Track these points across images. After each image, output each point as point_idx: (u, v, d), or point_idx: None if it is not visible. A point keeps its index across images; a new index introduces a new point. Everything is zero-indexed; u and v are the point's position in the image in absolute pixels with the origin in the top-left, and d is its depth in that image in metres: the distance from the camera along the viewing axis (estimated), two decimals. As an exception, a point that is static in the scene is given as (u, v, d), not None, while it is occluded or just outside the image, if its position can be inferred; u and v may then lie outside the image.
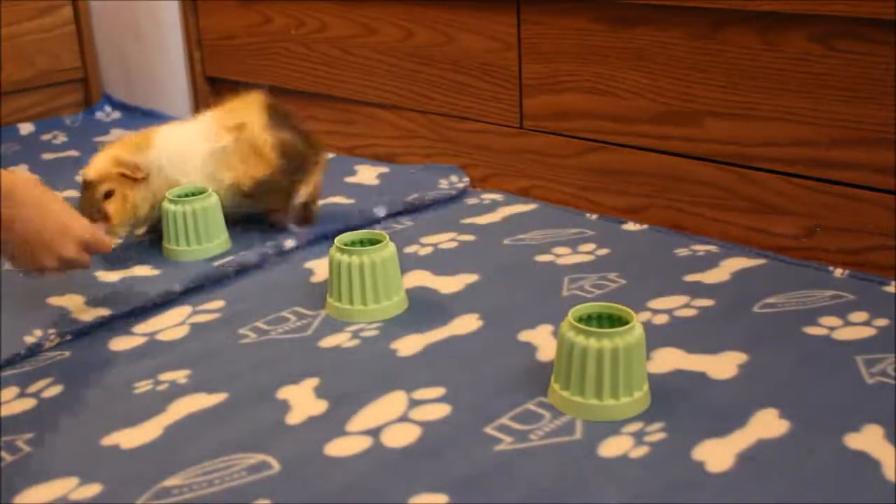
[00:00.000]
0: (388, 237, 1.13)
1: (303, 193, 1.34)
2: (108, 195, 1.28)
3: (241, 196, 1.34)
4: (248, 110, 1.34)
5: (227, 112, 1.36)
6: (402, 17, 1.65)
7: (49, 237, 1.01)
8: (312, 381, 0.98)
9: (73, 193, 1.60)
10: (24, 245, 1.01)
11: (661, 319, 1.08)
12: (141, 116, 2.08)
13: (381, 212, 1.44)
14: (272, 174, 1.31)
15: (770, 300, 1.11)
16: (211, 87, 2.05)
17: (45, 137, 1.95)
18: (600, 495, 0.79)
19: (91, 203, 1.27)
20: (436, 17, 1.60)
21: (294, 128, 1.35)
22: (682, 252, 1.27)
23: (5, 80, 2.02)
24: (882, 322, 1.05)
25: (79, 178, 1.33)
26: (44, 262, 1.04)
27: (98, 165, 1.29)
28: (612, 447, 0.85)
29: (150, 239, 1.38)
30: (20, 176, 1.00)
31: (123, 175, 1.28)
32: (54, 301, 1.19)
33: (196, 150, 1.34)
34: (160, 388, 0.98)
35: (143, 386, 0.99)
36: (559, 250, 1.29)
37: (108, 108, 2.13)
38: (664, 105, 1.37)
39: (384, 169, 1.67)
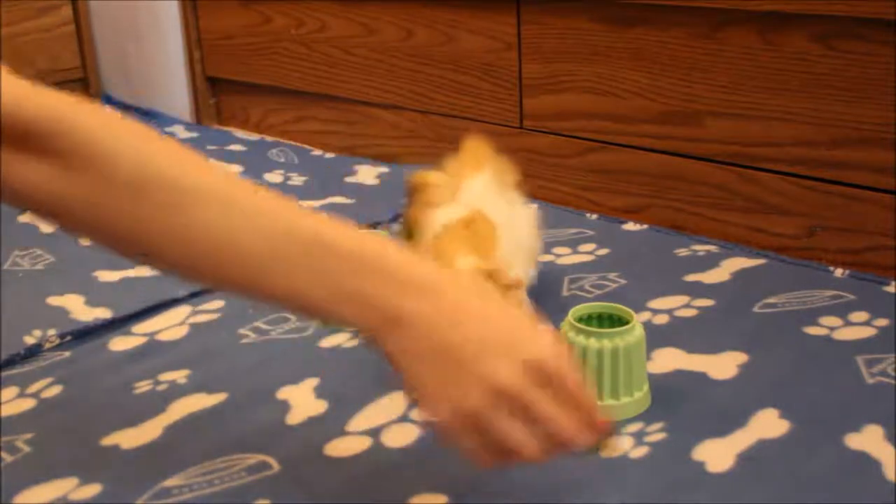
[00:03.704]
0: (387, 237, 1.13)
1: None
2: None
3: None
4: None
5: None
6: (402, 17, 1.65)
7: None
8: (312, 381, 0.98)
9: (73, 193, 1.61)
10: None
11: (662, 319, 1.08)
12: (141, 116, 2.08)
13: (382, 214, 1.44)
14: None
15: (770, 300, 1.11)
16: (211, 87, 2.05)
17: (45, 137, 1.95)
18: (600, 495, 0.79)
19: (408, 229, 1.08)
20: (436, 17, 1.60)
21: None
22: (682, 252, 1.27)
23: (5, 80, 2.02)
24: (882, 322, 1.05)
25: None
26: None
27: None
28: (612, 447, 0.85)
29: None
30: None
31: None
32: (54, 301, 1.19)
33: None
34: (160, 388, 0.98)
35: (143, 386, 0.99)
36: (559, 250, 1.29)
37: (107, 109, 2.12)
38: (664, 105, 1.36)
39: (384, 169, 1.67)
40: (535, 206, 1.09)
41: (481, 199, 1.02)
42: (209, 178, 0.68)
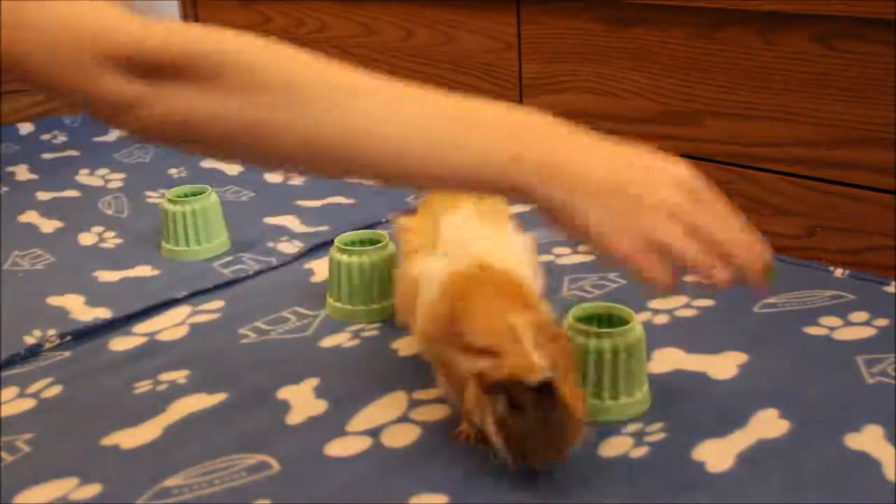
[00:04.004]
0: (388, 237, 1.13)
1: None
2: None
3: None
4: None
5: None
6: (402, 17, 1.65)
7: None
8: (312, 381, 0.98)
9: (74, 194, 1.61)
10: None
11: (662, 319, 1.08)
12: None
13: (382, 214, 1.44)
14: None
15: (770, 300, 1.11)
16: (211, 87, 2.05)
17: (45, 137, 1.95)
18: (600, 495, 0.79)
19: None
20: (436, 17, 1.60)
21: None
22: (682, 252, 1.27)
23: (5, 80, 2.01)
24: (882, 322, 1.05)
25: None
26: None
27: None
28: (612, 447, 0.85)
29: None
30: None
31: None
32: (54, 301, 1.19)
33: None
34: (160, 388, 0.98)
35: (143, 386, 0.99)
36: (559, 250, 1.29)
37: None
38: (664, 105, 1.36)
39: (384, 169, 1.67)
40: (532, 232, 0.98)
41: (463, 236, 0.92)
42: (353, 74, 0.72)
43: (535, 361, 0.74)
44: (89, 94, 0.68)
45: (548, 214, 0.69)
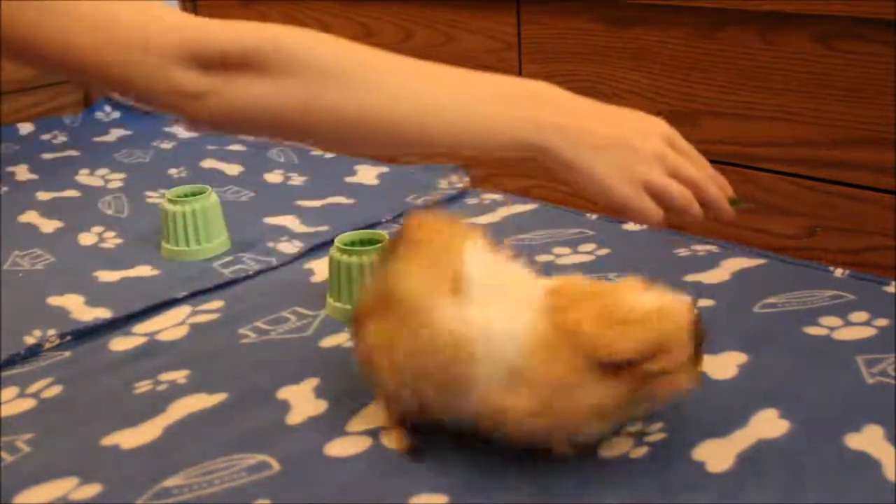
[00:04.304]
0: (388, 237, 1.14)
1: None
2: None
3: None
4: None
5: None
6: (402, 17, 1.65)
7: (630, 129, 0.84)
8: (312, 381, 0.98)
9: (74, 194, 1.61)
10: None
11: (661, 319, 1.08)
12: (141, 116, 2.07)
13: (382, 214, 1.44)
14: None
15: (770, 300, 1.11)
16: (211, 87, 2.05)
17: (45, 137, 1.95)
18: (600, 495, 0.79)
19: None
20: (436, 17, 1.60)
21: None
22: (682, 252, 1.27)
23: (5, 80, 2.02)
24: (882, 322, 1.05)
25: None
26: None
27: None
28: (612, 447, 0.85)
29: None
30: None
31: None
32: (54, 301, 1.19)
33: None
34: (160, 388, 0.98)
35: (143, 386, 0.99)
36: (559, 250, 1.29)
37: (107, 108, 2.12)
38: (664, 105, 1.36)
39: (384, 169, 1.67)
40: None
41: (503, 277, 0.81)
42: (394, 58, 0.82)
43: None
44: (157, 88, 0.74)
45: (559, 169, 0.81)
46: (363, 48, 0.81)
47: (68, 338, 1.09)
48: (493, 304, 0.77)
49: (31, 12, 0.71)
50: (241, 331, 1.10)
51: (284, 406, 0.94)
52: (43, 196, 1.60)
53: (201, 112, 0.77)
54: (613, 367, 0.74)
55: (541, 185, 1.54)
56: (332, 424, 0.90)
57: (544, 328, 0.75)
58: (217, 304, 1.17)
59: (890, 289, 1.13)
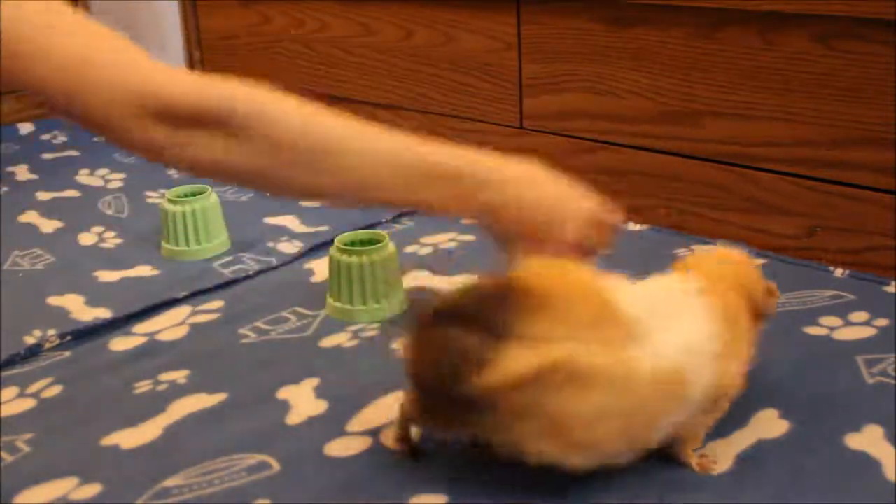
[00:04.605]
0: (388, 237, 1.14)
1: None
2: None
3: None
4: None
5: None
6: (402, 17, 1.65)
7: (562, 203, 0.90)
8: (312, 381, 0.98)
9: (74, 193, 1.61)
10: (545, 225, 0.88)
11: (661, 319, 1.08)
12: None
13: (382, 214, 1.44)
14: None
15: (770, 300, 1.11)
16: (211, 87, 2.05)
17: (45, 137, 1.95)
18: (600, 495, 0.79)
19: None
20: (436, 17, 1.60)
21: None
22: (683, 252, 1.27)
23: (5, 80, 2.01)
24: (882, 322, 1.05)
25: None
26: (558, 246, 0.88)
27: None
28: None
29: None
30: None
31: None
32: (54, 301, 1.19)
33: None
34: (160, 388, 0.98)
35: (143, 386, 0.99)
36: (559, 250, 1.29)
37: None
38: (664, 105, 1.36)
39: (384, 169, 1.67)
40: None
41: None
42: (352, 132, 0.85)
43: None
44: (130, 141, 0.80)
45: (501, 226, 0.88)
46: (319, 117, 0.85)
47: (68, 338, 1.09)
48: (667, 326, 0.78)
49: (21, 58, 0.78)
50: (241, 331, 1.10)
51: (284, 406, 0.94)
52: (43, 196, 1.60)
53: (170, 162, 0.83)
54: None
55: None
56: (332, 424, 0.90)
57: (715, 317, 0.80)
58: (217, 304, 1.17)
59: (890, 289, 1.13)
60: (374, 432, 0.89)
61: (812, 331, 1.04)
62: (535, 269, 0.80)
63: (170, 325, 1.12)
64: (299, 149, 0.82)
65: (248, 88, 0.82)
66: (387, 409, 0.92)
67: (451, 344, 0.73)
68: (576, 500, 0.78)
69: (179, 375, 1.00)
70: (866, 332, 1.03)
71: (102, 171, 1.72)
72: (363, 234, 1.17)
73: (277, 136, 0.81)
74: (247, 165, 0.82)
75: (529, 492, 0.79)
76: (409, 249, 1.31)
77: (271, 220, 1.43)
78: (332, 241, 1.14)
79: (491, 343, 0.72)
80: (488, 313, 0.74)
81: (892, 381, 0.93)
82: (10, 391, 0.99)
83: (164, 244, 1.33)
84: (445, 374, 0.73)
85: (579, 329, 0.74)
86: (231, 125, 0.80)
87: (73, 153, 1.85)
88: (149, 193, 1.58)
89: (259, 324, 1.11)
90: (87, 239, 1.40)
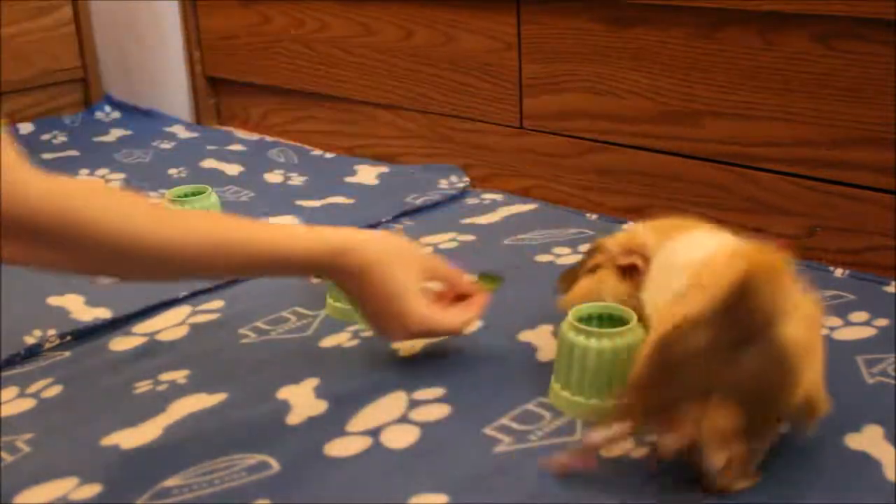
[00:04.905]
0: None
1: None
2: (592, 270, 0.98)
3: None
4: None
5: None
6: (402, 17, 1.65)
7: (383, 324, 0.96)
8: (312, 381, 0.98)
9: (73, 193, 1.61)
10: (370, 318, 0.97)
11: (661, 319, 1.08)
12: (141, 116, 2.08)
13: (382, 214, 1.44)
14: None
15: (770, 300, 1.11)
16: (211, 87, 2.05)
17: (45, 137, 1.95)
18: (600, 495, 0.79)
19: (574, 270, 1.00)
20: (436, 17, 1.60)
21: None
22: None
23: (5, 80, 2.02)
24: (882, 322, 1.05)
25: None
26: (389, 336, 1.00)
27: (620, 237, 0.99)
28: (613, 447, 0.85)
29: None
30: (379, 250, 0.93)
31: (613, 255, 0.96)
32: (54, 301, 1.19)
33: (668, 283, 0.87)
34: (160, 388, 0.98)
35: (143, 386, 0.99)
36: (559, 250, 1.29)
37: (108, 108, 2.13)
38: (664, 105, 1.36)
39: (384, 169, 1.67)
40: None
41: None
42: (173, 230, 0.83)
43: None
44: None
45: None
46: (149, 218, 0.82)
47: (68, 338, 1.09)
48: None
49: None
50: (241, 331, 1.10)
51: (284, 406, 0.94)
52: (43, 196, 1.59)
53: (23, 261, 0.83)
54: None
55: (541, 185, 1.54)
56: (332, 424, 0.90)
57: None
58: (217, 304, 1.17)
59: (890, 289, 1.13)
60: (374, 432, 0.89)
61: (812, 331, 1.04)
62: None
63: (170, 325, 1.12)
64: (106, 253, 0.81)
65: (76, 195, 0.79)
66: (387, 409, 0.92)
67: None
68: (576, 500, 0.78)
69: (179, 375, 1.00)
70: (866, 332, 1.03)
71: (102, 171, 1.72)
72: (363, 234, 1.16)
73: (84, 246, 0.80)
74: (81, 269, 0.85)
75: (529, 492, 0.79)
76: (409, 249, 1.31)
77: (271, 220, 1.43)
78: (332, 241, 1.14)
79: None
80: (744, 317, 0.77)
81: (892, 381, 0.93)
82: (10, 391, 0.99)
83: (164, 244, 1.32)
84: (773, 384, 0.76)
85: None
86: (57, 237, 0.78)
87: (73, 153, 1.85)
88: (149, 193, 1.58)
89: (259, 324, 1.11)
90: (87, 239, 1.40)
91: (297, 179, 1.64)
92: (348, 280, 0.93)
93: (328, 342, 1.07)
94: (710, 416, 0.74)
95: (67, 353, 1.07)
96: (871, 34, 1.16)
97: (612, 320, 0.93)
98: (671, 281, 0.86)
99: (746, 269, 0.79)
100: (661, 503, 0.78)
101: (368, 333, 1.08)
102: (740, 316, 0.76)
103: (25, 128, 1.99)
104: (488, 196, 1.53)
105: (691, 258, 0.86)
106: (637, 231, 0.97)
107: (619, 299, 0.94)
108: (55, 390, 0.99)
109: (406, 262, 0.95)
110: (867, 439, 0.84)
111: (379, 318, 0.95)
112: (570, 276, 1.01)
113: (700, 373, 0.75)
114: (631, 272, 0.94)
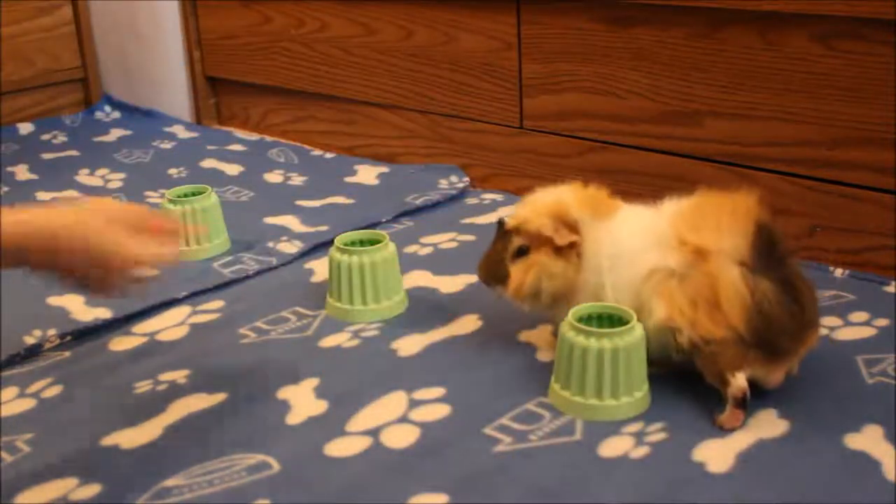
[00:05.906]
0: (388, 237, 1.13)
1: (742, 379, 0.87)
2: (521, 253, 0.97)
3: (671, 341, 0.90)
4: (727, 227, 0.94)
5: (695, 215, 0.97)
6: (402, 17, 1.65)
7: (97, 276, 0.90)
8: (312, 381, 0.98)
9: (74, 194, 1.61)
10: (89, 281, 0.92)
11: (661, 319, 1.08)
12: (141, 116, 2.08)
13: (382, 214, 1.44)
14: (726, 337, 0.87)
15: (770, 300, 1.11)
16: (211, 87, 2.05)
17: (45, 137, 1.95)
18: (600, 495, 0.79)
19: (497, 257, 0.99)
20: (436, 17, 1.60)
21: (787, 276, 0.90)
22: (682, 252, 1.27)
23: (5, 80, 2.02)
24: (882, 322, 1.05)
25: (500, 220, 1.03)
26: (111, 292, 0.94)
27: (527, 210, 1.00)
28: (612, 447, 0.85)
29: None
30: (64, 213, 0.91)
31: (547, 236, 0.96)
32: (54, 301, 1.19)
33: (637, 256, 0.93)
34: (160, 388, 0.98)
35: (143, 386, 0.99)
36: (559, 250, 1.29)
37: (108, 108, 2.13)
38: (664, 105, 1.36)
39: (384, 169, 1.67)
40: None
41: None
42: None
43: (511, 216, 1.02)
44: None
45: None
46: None
47: (68, 338, 1.09)
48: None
49: None
50: (241, 331, 1.10)
51: (284, 406, 0.94)
52: (43, 196, 1.60)
53: None
54: None
55: (541, 185, 1.54)
56: (332, 424, 0.90)
57: None
58: (217, 304, 1.17)
59: (890, 289, 1.13)
60: (374, 432, 0.89)
61: (812, 331, 1.04)
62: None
63: (170, 325, 1.12)
64: None
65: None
66: (387, 409, 0.92)
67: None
68: (576, 500, 0.78)
69: (179, 375, 1.00)
70: (866, 332, 1.03)
71: (102, 171, 1.72)
72: (363, 234, 1.16)
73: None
74: None
75: (529, 491, 0.80)
76: (409, 249, 1.31)
77: (271, 220, 1.43)
78: (332, 241, 1.14)
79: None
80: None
81: (892, 381, 0.93)
82: (10, 391, 0.99)
83: (164, 244, 1.33)
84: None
85: None
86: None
87: (73, 153, 1.85)
88: (149, 193, 1.58)
89: (259, 324, 1.11)
90: (87, 239, 1.40)
91: (297, 179, 1.64)
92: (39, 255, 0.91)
93: (328, 342, 1.07)
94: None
95: (67, 353, 1.07)
96: (871, 34, 1.16)
97: (612, 320, 0.93)
98: (636, 265, 0.93)
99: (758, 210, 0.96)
100: (661, 503, 0.78)
101: (369, 333, 1.08)
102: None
103: (25, 128, 1.99)
104: (488, 196, 1.53)
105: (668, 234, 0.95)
106: (560, 206, 0.99)
107: (558, 281, 0.96)
108: (55, 390, 0.99)
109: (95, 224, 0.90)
110: (867, 439, 0.84)
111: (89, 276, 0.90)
112: (494, 264, 0.99)
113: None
114: (566, 251, 0.95)
